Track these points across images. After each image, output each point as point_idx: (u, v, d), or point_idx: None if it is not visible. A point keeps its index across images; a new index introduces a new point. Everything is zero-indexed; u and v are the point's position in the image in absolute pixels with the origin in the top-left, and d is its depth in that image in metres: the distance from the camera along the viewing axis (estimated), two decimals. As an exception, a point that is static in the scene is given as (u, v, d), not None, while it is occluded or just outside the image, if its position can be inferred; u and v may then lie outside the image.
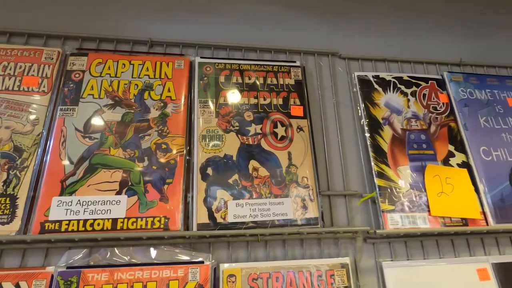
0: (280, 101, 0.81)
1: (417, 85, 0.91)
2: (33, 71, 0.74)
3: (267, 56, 0.89)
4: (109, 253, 0.64)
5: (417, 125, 0.85)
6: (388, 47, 0.98)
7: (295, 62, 0.87)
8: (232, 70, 0.82)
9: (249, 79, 0.82)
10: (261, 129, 0.77)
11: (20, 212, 0.63)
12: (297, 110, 0.81)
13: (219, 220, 0.67)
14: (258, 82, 0.82)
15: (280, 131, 0.78)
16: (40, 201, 0.63)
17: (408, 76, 0.92)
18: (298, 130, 0.79)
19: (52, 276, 0.60)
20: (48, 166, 0.66)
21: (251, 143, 0.75)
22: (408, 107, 0.87)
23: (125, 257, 0.64)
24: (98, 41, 0.80)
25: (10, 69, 0.73)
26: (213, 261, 0.65)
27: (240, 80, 0.81)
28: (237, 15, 0.93)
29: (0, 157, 0.65)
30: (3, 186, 0.64)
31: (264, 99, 0.81)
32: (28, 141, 0.68)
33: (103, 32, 0.82)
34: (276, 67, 0.85)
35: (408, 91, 0.90)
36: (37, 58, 0.76)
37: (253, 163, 0.73)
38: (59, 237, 0.60)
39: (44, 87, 0.73)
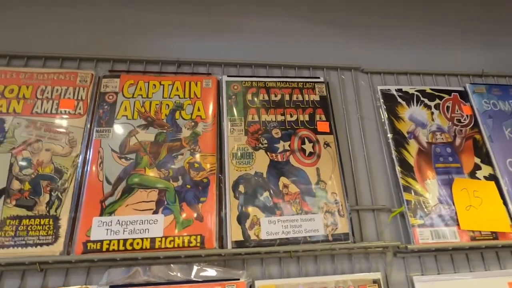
0: (307, 117, 0.83)
1: (440, 98, 0.92)
2: (69, 94, 0.77)
3: (291, 72, 0.91)
4: (148, 272, 0.67)
5: (442, 138, 0.86)
6: (409, 60, 0.99)
7: (319, 78, 0.89)
8: (258, 88, 0.84)
9: (275, 96, 0.84)
10: (289, 145, 0.79)
11: (63, 232, 0.65)
12: (323, 126, 0.82)
13: (253, 237, 0.69)
14: (284, 99, 0.84)
15: (308, 147, 0.79)
16: (81, 221, 0.66)
17: (431, 89, 0.93)
18: (325, 146, 0.80)
19: None
20: (87, 187, 0.69)
21: (280, 160, 0.77)
22: (433, 120, 0.88)
23: (164, 276, 0.66)
24: (129, 62, 0.84)
25: (47, 93, 0.76)
26: (248, 278, 0.67)
27: (266, 98, 0.83)
28: (261, 33, 0.95)
29: (42, 179, 0.69)
30: (46, 207, 0.67)
31: (291, 116, 0.82)
32: (67, 163, 0.71)
33: (133, 54, 0.85)
34: (301, 83, 0.87)
35: (432, 104, 0.91)
36: (72, 81, 0.79)
37: (283, 180, 0.75)
38: (102, 257, 0.62)
39: (80, 109, 0.76)
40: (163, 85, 0.81)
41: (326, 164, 0.78)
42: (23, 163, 0.69)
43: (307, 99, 0.85)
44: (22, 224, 0.64)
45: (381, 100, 0.89)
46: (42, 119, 0.73)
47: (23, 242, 0.63)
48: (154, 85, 0.81)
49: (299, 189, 0.74)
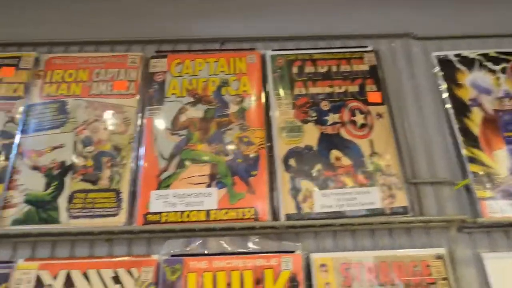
0: (356, 88, 0.79)
1: (507, 61, 0.83)
2: (121, 75, 0.81)
3: (337, 43, 0.86)
4: (204, 243, 0.68)
5: (511, 105, 0.78)
6: (467, 22, 0.90)
7: (367, 47, 0.85)
8: (304, 60, 0.81)
9: (322, 68, 0.81)
10: (339, 118, 0.76)
11: (124, 205, 0.68)
12: (374, 97, 0.78)
13: (306, 210, 0.68)
14: (331, 70, 0.81)
15: (359, 119, 0.76)
16: (140, 195, 0.69)
17: (496, 52, 0.85)
18: (378, 117, 0.76)
19: (158, 263, 0.66)
20: (143, 162, 0.72)
21: (330, 132, 0.74)
22: (499, 85, 0.80)
23: (220, 247, 0.68)
24: (174, 43, 0.86)
25: (102, 75, 0.81)
26: (304, 251, 0.67)
27: (313, 70, 0.80)
28: (303, 5, 0.92)
29: (103, 156, 0.73)
30: (108, 182, 0.71)
31: (339, 87, 0.79)
32: (123, 141, 0.74)
33: (178, 34, 0.86)
34: (348, 53, 0.82)
35: (497, 68, 0.82)
36: (123, 63, 0.82)
37: (335, 153, 0.72)
38: (162, 228, 0.65)
39: (132, 89, 0.79)
40: (208, 62, 0.82)
41: (379, 136, 0.74)
42: (85, 141, 0.74)
43: (355, 69, 0.80)
44: (88, 197, 0.69)
45: (438, 67, 0.83)
46: (98, 100, 0.78)
47: (90, 214, 0.68)
48: (200, 63, 0.82)
49: (352, 162, 0.72)
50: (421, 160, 0.75)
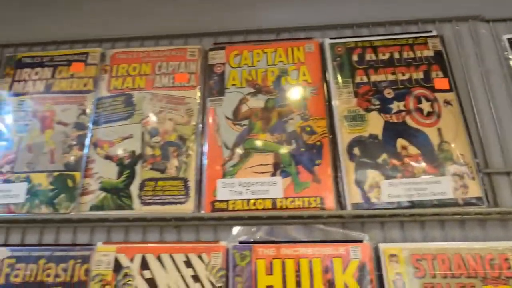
0: (421, 75, 0.76)
1: None
2: (182, 68, 0.83)
3: (397, 29, 0.83)
4: (271, 230, 0.70)
5: None
6: (541, 1, 0.85)
7: (431, 31, 0.81)
8: (364, 48, 0.79)
9: (383, 55, 0.78)
10: (404, 105, 0.73)
11: (192, 193, 0.71)
12: (441, 83, 0.75)
13: (373, 200, 0.66)
14: (394, 57, 0.78)
15: (426, 106, 0.73)
16: (207, 183, 0.71)
17: None
18: (446, 104, 0.73)
19: (227, 249, 0.68)
20: (208, 152, 0.74)
21: (395, 120, 0.72)
22: None
23: (287, 234, 0.69)
24: (230, 34, 0.86)
25: (164, 68, 0.84)
26: (372, 240, 0.66)
27: (374, 57, 0.78)
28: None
29: (169, 146, 0.76)
30: (175, 170, 0.74)
31: (403, 74, 0.76)
32: (188, 131, 0.76)
33: (233, 26, 0.87)
34: (411, 39, 0.79)
35: None
36: (183, 56, 0.84)
37: (401, 142, 0.70)
38: (231, 215, 0.68)
39: (192, 81, 0.81)
40: (266, 53, 0.82)
41: (448, 124, 0.70)
42: (152, 132, 0.78)
43: (419, 55, 0.77)
44: (158, 185, 0.72)
45: (509, 50, 0.78)
46: (162, 92, 0.80)
47: (160, 201, 0.71)
48: (258, 53, 0.82)
49: (420, 151, 0.69)
50: (494, 148, 0.71)
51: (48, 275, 0.69)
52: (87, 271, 0.68)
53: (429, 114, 0.72)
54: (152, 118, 0.76)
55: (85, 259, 0.70)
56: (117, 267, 0.67)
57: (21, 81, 0.84)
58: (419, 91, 0.74)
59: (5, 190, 0.73)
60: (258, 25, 0.87)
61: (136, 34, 0.88)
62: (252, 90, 0.78)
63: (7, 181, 0.74)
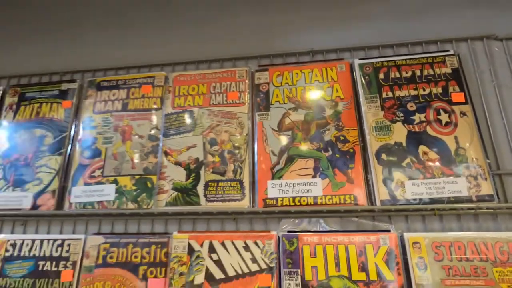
0: (440, 90, 0.87)
1: None
2: (233, 87, 0.98)
3: (418, 49, 0.95)
4: (312, 222, 0.84)
5: None
6: (551, 19, 0.93)
7: (448, 51, 0.92)
8: (389, 67, 0.92)
9: (406, 72, 0.91)
10: (425, 117, 0.85)
11: (247, 192, 0.87)
12: (458, 97, 0.86)
13: (399, 197, 0.80)
14: (415, 75, 0.90)
15: (444, 117, 0.85)
16: (259, 184, 0.87)
17: None
18: (462, 115, 0.84)
19: (277, 237, 0.83)
20: (258, 158, 0.89)
21: (417, 130, 0.85)
22: None
23: (327, 225, 0.83)
24: (272, 57, 1.01)
25: (217, 88, 0.99)
26: (398, 230, 0.79)
27: (398, 75, 0.91)
28: (384, 15, 1.01)
29: (227, 153, 0.91)
30: (232, 174, 0.89)
31: (424, 90, 0.88)
32: (241, 141, 0.92)
33: (274, 50, 1.01)
34: (431, 58, 0.91)
35: None
36: (233, 77, 1.00)
37: (422, 148, 0.83)
38: (280, 209, 0.82)
39: (242, 99, 0.97)
40: (304, 73, 0.96)
41: (464, 132, 0.83)
42: (211, 142, 0.93)
43: (438, 72, 0.89)
44: (219, 185, 0.88)
45: None
46: (217, 108, 0.96)
47: (222, 198, 0.87)
48: (297, 73, 0.96)
49: (439, 156, 0.82)
50: (505, 153, 0.83)
51: (135, 257, 0.87)
52: (166, 254, 0.86)
53: (447, 124, 0.84)
54: (211, 130, 0.93)
55: (164, 245, 0.87)
56: (190, 250, 0.84)
57: (102, 101, 1.03)
58: (438, 104, 0.86)
59: (99, 190, 0.92)
60: (295, 48, 1.01)
61: (191, 59, 1.05)
62: (293, 105, 0.92)
63: (99, 183, 0.93)
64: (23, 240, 0.94)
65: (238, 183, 0.88)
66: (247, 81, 0.98)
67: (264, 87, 0.97)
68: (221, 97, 0.98)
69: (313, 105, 0.92)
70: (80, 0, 1.21)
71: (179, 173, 0.91)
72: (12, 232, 0.97)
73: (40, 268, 0.90)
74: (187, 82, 1.02)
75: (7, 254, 0.93)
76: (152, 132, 0.97)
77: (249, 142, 0.91)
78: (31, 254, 0.92)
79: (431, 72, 0.90)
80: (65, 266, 0.90)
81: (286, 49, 1.01)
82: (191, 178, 0.91)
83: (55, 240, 0.93)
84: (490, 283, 0.72)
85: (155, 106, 1.00)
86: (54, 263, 0.90)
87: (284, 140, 0.89)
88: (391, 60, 0.92)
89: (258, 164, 0.89)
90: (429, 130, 0.85)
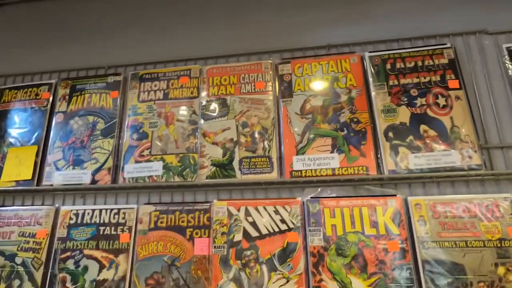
0: (438, 78, 1.02)
1: None
2: (260, 78, 1.13)
3: (420, 43, 1.10)
4: (332, 190, 0.99)
5: None
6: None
7: (446, 44, 1.06)
8: (395, 58, 1.07)
9: (410, 63, 1.05)
10: (425, 101, 1.00)
11: (275, 166, 1.03)
12: (453, 84, 1.01)
13: (403, 168, 0.95)
14: (417, 65, 1.04)
15: (441, 101, 1.00)
16: (285, 159, 1.02)
17: (560, 40, 1.00)
18: (456, 99, 0.99)
19: (302, 202, 0.98)
20: (283, 137, 1.04)
21: (419, 112, 1.00)
22: (562, 69, 0.97)
23: (342, 192, 0.98)
24: (292, 51, 1.16)
25: (246, 79, 1.14)
26: (402, 195, 0.94)
27: (403, 66, 1.05)
28: (390, 14, 1.16)
29: (257, 134, 1.06)
30: (262, 151, 1.04)
31: (424, 78, 1.03)
32: (268, 123, 1.07)
33: (294, 45, 1.16)
34: (431, 50, 1.06)
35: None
36: (259, 69, 1.14)
37: (423, 127, 0.98)
38: (304, 179, 0.98)
39: (268, 87, 1.11)
40: (321, 64, 1.11)
41: (458, 113, 0.98)
42: (243, 125, 1.08)
43: (437, 63, 1.04)
44: (251, 161, 1.04)
45: (507, 57, 1.01)
46: (247, 96, 1.11)
47: (254, 171, 1.03)
48: (315, 65, 1.11)
49: (437, 133, 0.96)
50: (492, 130, 0.98)
51: (182, 221, 1.03)
52: (208, 218, 1.02)
53: (444, 106, 0.99)
54: (242, 115, 1.08)
55: (206, 211, 1.03)
56: (229, 215, 1.00)
57: (145, 91, 1.18)
58: (436, 89, 1.01)
59: (148, 167, 1.08)
60: (313, 43, 1.16)
61: (222, 53, 1.20)
62: (312, 93, 1.07)
63: (148, 161, 1.08)
64: (85, 210, 1.11)
65: (267, 158, 1.03)
66: (271, 72, 1.13)
67: (287, 77, 1.11)
68: (250, 86, 1.13)
69: (329, 92, 1.07)
70: (121, 6, 1.36)
71: (216, 151, 1.07)
72: (73, 204, 1.15)
73: (101, 233, 1.07)
74: (219, 73, 1.17)
75: (72, 222, 1.10)
76: (192, 117, 1.12)
77: (275, 124, 1.07)
78: (93, 221, 1.09)
79: (431, 62, 1.05)
80: (123, 230, 1.06)
81: (305, 44, 1.16)
82: (227, 155, 1.06)
83: (112, 210, 1.10)
84: (477, 234, 0.88)
85: (192, 95, 1.15)
86: (113, 228, 1.07)
87: (305, 122, 1.05)
88: (397, 53, 1.07)
89: (284, 142, 1.04)
90: (429, 112, 1.00)
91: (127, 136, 1.14)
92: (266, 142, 1.06)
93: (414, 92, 1.03)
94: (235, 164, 1.05)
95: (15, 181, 1.16)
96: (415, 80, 1.04)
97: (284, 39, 1.19)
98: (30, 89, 1.29)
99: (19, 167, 1.18)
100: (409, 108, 1.01)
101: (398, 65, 1.06)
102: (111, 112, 1.19)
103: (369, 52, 1.09)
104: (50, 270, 1.05)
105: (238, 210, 1.02)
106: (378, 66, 1.07)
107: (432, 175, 0.94)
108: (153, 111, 1.16)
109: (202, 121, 1.11)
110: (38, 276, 1.06)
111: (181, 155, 1.09)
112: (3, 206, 1.18)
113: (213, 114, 1.11)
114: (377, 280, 0.89)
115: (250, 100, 1.12)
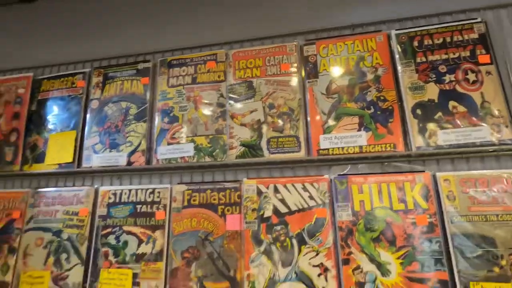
0: (468, 53, 1.01)
1: None
2: (285, 60, 1.15)
3: (448, 18, 1.08)
4: (360, 167, 1.01)
5: None
6: None
7: (476, 18, 1.03)
8: (422, 36, 1.06)
9: (438, 40, 1.04)
10: (454, 77, 0.99)
11: (302, 145, 1.05)
12: (484, 59, 0.99)
13: (432, 144, 0.96)
14: (446, 41, 1.03)
15: (471, 77, 0.98)
16: (312, 137, 1.05)
17: None
18: (487, 74, 0.97)
19: (330, 180, 1.01)
20: (310, 117, 1.07)
21: (447, 88, 0.99)
22: None
23: (369, 169, 1.00)
24: (316, 32, 1.16)
25: (272, 61, 1.16)
26: (431, 170, 0.94)
27: (430, 42, 1.04)
28: (417, -11, 1.14)
29: (283, 115, 1.09)
30: (289, 131, 1.07)
31: (454, 54, 1.02)
32: (294, 104, 1.09)
33: (318, 25, 1.17)
34: (460, 25, 1.04)
35: None
36: (284, 51, 1.16)
37: (452, 103, 0.98)
38: (331, 157, 1.00)
39: (293, 69, 1.13)
40: (347, 44, 1.11)
41: (488, 88, 0.97)
42: (270, 106, 1.11)
43: (466, 38, 1.02)
44: (279, 141, 1.07)
45: None
46: (273, 78, 1.14)
47: (282, 151, 1.06)
48: (340, 45, 1.11)
49: (466, 109, 0.96)
50: (525, 105, 0.96)
51: (214, 199, 1.08)
52: (238, 196, 1.06)
53: (474, 82, 0.98)
54: (268, 96, 1.11)
55: (236, 189, 1.08)
56: (259, 192, 1.05)
57: (174, 77, 1.22)
58: (466, 65, 1.00)
59: (180, 148, 1.13)
60: (337, 23, 1.16)
61: (246, 37, 1.22)
62: (338, 73, 1.08)
63: (179, 143, 1.13)
64: (122, 190, 1.19)
65: (294, 138, 1.06)
66: (296, 54, 1.15)
67: (312, 58, 1.13)
68: (275, 68, 1.15)
69: (355, 72, 1.08)
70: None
71: (244, 132, 1.10)
72: (110, 185, 1.22)
73: (138, 210, 1.14)
74: (245, 57, 1.19)
75: (110, 201, 1.18)
76: (220, 100, 1.16)
77: (301, 105, 1.09)
78: (130, 200, 1.16)
79: (460, 38, 1.03)
80: (158, 208, 1.13)
81: (329, 25, 1.16)
82: (255, 136, 1.09)
83: (147, 189, 1.17)
84: (508, 208, 0.88)
85: (219, 79, 1.19)
86: (149, 206, 1.14)
87: (332, 101, 1.06)
88: (424, 29, 1.06)
89: (311, 122, 1.06)
90: (458, 88, 0.99)
91: (159, 119, 1.21)
92: (293, 123, 1.08)
93: (442, 69, 1.02)
94: (263, 143, 1.08)
95: (58, 164, 1.26)
96: (444, 57, 1.02)
97: (309, 21, 1.20)
98: (66, 78, 1.37)
99: (61, 152, 1.27)
100: (437, 84, 1.00)
101: (425, 42, 1.05)
102: (142, 97, 1.24)
103: (396, 30, 1.09)
104: (93, 245, 1.14)
105: (267, 188, 1.06)
106: (405, 44, 1.06)
107: (462, 151, 0.94)
108: (182, 95, 1.21)
109: (229, 104, 1.16)
110: (83, 250, 1.15)
111: (210, 136, 1.14)
112: (47, 187, 1.30)
113: (240, 96, 1.16)
114: (406, 253, 0.92)
115: (275, 82, 1.14)
